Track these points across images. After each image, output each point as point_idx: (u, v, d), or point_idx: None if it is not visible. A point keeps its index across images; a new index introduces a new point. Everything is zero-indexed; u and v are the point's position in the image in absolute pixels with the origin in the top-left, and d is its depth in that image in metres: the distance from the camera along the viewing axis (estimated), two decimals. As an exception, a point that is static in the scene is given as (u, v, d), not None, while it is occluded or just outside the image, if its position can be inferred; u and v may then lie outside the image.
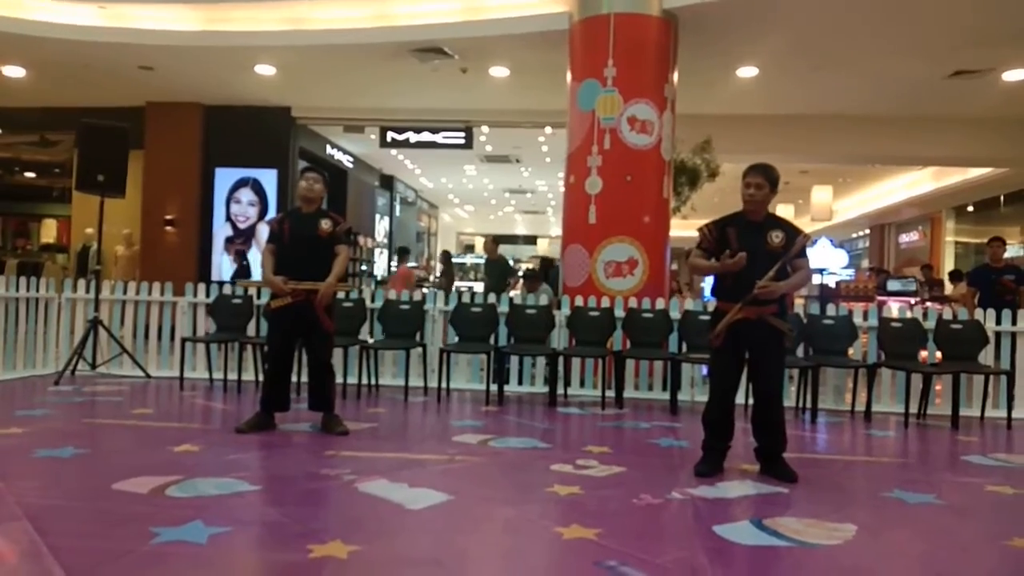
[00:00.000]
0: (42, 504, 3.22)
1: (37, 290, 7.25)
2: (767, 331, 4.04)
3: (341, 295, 6.80)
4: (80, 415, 5.39)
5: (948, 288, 11.97)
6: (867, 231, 22.95)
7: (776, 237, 4.02)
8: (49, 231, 15.14)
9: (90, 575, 2.46)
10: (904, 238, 20.24)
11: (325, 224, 4.89)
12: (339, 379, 6.67)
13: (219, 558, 2.70)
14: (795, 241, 4.03)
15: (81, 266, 11.70)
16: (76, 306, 7.49)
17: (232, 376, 6.71)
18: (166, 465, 3.91)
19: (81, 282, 7.62)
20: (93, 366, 7.15)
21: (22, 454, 4.09)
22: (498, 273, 10.54)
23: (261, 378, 6.74)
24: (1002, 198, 15.58)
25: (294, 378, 6.50)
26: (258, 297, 7.01)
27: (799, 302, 10.66)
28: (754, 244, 4.00)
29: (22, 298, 7.08)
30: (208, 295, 7.25)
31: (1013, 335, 6.47)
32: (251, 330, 6.90)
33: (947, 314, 6.59)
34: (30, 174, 14.91)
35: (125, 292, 7.50)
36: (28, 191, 15.13)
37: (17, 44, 9.25)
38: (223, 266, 12.27)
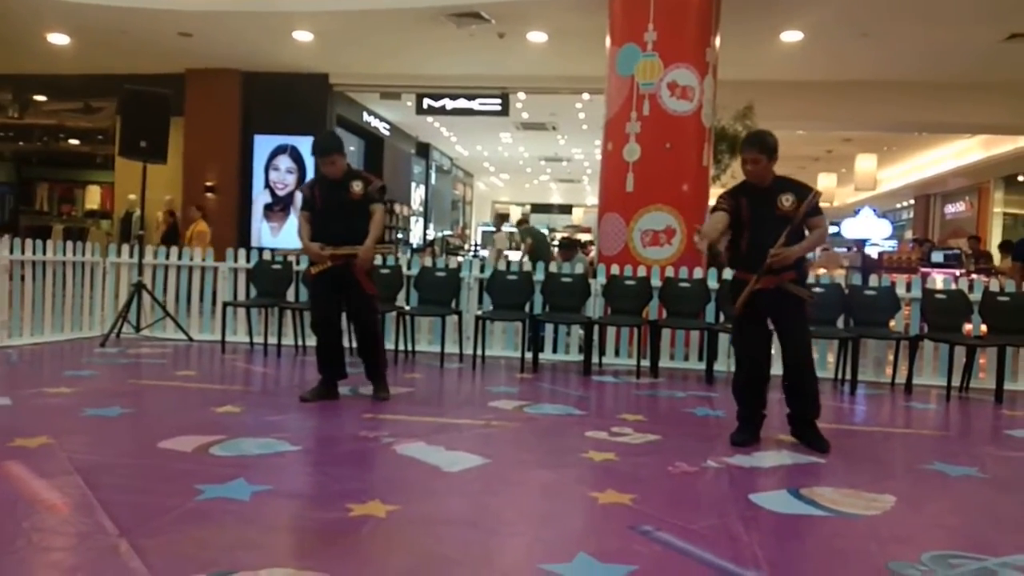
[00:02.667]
0: (92, 460, 3.32)
1: (83, 255, 7.41)
2: (787, 298, 3.96)
3: (379, 260, 6.84)
4: (126, 376, 5.54)
5: (997, 259, 11.66)
6: (912, 201, 22.39)
7: (786, 201, 3.93)
8: (93, 197, 15.41)
9: (138, 528, 2.53)
10: (950, 208, 19.71)
11: (356, 186, 4.76)
12: (376, 344, 6.77)
13: (262, 515, 2.77)
14: (805, 201, 3.92)
15: (125, 231, 11.92)
16: (120, 270, 7.65)
17: (272, 340, 6.82)
18: (209, 425, 4.00)
19: (125, 247, 7.78)
20: (137, 329, 7.33)
21: (72, 413, 4.22)
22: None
23: (301, 342, 6.85)
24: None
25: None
26: (297, 263, 7.09)
27: (839, 273, 10.49)
28: (765, 210, 3.95)
29: (68, 262, 7.25)
30: (248, 260, 7.35)
31: (1063, 308, 6.28)
32: (291, 295, 7.00)
33: (994, 286, 6.42)
34: (74, 141, 15.16)
35: (168, 257, 7.64)
36: (73, 158, 15.38)
37: (61, 11, 9.37)
38: (263, 232, 12.42)
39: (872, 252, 13.46)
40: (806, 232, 4.00)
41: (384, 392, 4.93)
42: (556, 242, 13.99)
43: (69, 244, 7.33)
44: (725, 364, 6.70)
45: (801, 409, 4.07)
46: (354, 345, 4.99)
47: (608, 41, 7.30)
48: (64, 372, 5.46)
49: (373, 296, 4.93)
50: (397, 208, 16.65)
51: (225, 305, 7.04)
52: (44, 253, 7.01)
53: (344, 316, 4.97)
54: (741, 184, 4.15)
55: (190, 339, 7.28)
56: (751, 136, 4.08)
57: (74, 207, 15.58)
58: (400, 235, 16.93)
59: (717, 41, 7.22)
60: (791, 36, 9.22)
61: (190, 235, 10.66)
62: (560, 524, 2.86)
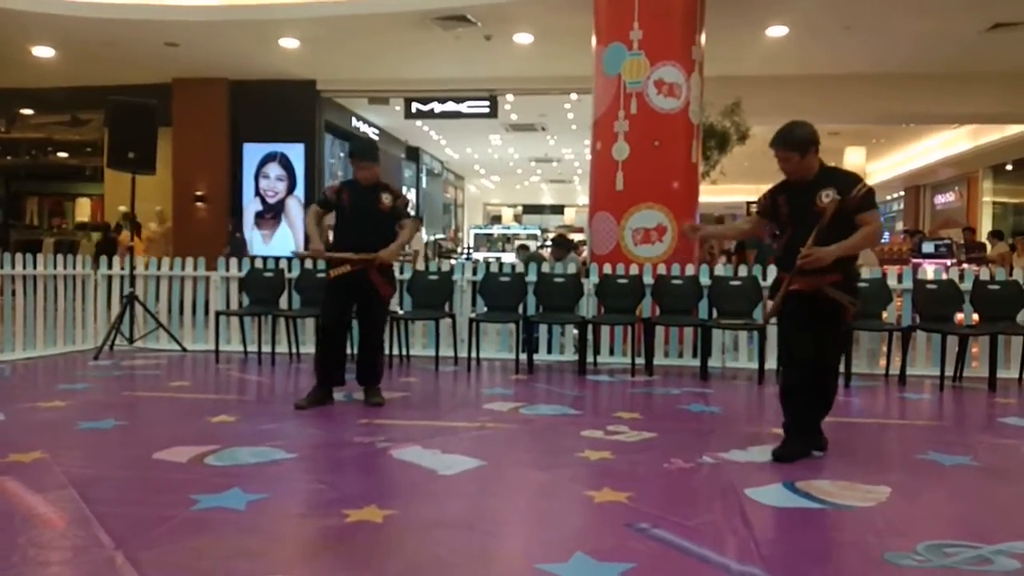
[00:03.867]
0: (87, 473, 3.31)
1: (74, 267, 7.39)
2: (826, 303, 3.63)
3: (396, 268, 6.82)
4: (120, 388, 5.52)
5: (989, 249, 11.73)
6: (902, 193, 22.49)
7: (825, 197, 3.58)
8: (83, 210, 15.39)
9: (135, 540, 2.53)
10: (940, 199, 19.80)
11: (386, 199, 4.78)
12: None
13: (258, 523, 2.77)
14: (849, 197, 3.56)
15: (102, 247, 11.90)
16: (112, 282, 7.62)
17: (266, 348, 6.80)
18: (204, 435, 3.99)
19: (115, 259, 7.75)
20: (130, 341, 7.30)
21: (66, 426, 4.21)
22: None
23: (295, 350, 6.84)
24: (1043, 155, 15.14)
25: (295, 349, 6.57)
26: (289, 271, 7.07)
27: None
28: (803, 207, 3.65)
29: (60, 275, 7.22)
30: (240, 269, 7.34)
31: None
32: (283, 303, 6.98)
33: (984, 275, 6.45)
34: (63, 154, 15.13)
35: (159, 268, 7.62)
36: (61, 170, 15.37)
37: (45, 23, 9.35)
38: (254, 241, 12.40)
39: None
40: (858, 222, 3.60)
41: (379, 397, 4.91)
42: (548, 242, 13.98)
43: (60, 257, 7.30)
44: (719, 360, 6.72)
45: (814, 412, 3.82)
46: (353, 352, 5.02)
47: (594, 40, 7.32)
48: (58, 386, 5.44)
49: (388, 299, 4.95)
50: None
51: (218, 314, 7.02)
52: (35, 267, 6.99)
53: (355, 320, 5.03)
54: (783, 180, 3.85)
55: (183, 349, 7.26)
56: (778, 133, 3.69)
57: (64, 220, 15.54)
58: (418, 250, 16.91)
59: (703, 38, 7.24)
60: (776, 31, 9.26)
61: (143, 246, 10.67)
62: (557, 524, 2.87)
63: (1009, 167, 16.40)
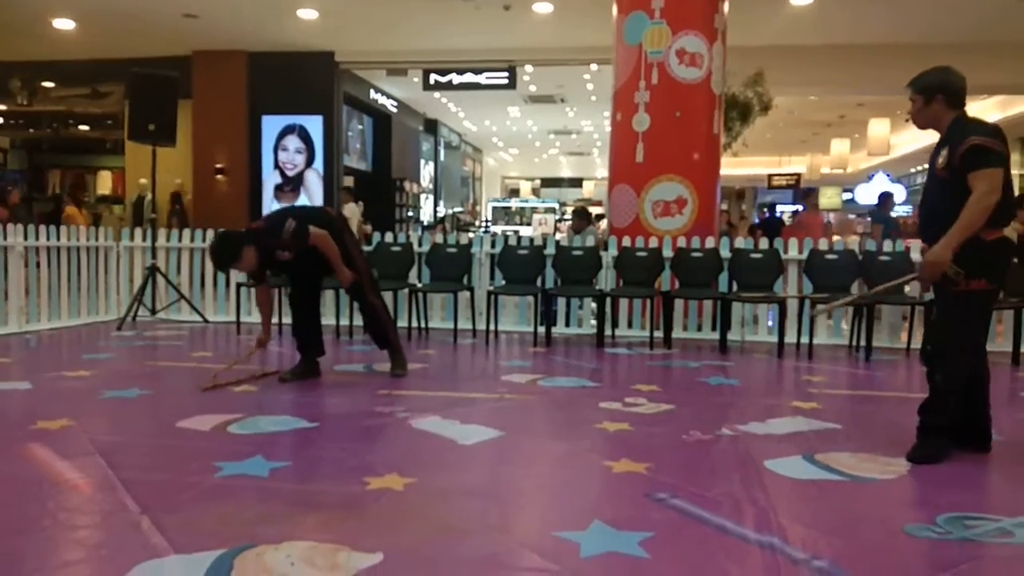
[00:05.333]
0: (112, 441, 3.37)
1: (96, 239, 7.46)
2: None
3: (389, 237, 6.81)
4: (143, 358, 5.60)
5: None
6: (926, 165, 22.12)
7: (940, 159, 3.17)
8: (105, 183, 15.48)
9: (160, 505, 2.57)
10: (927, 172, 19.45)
11: (282, 255, 4.50)
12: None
13: (280, 490, 2.81)
14: (955, 157, 3.10)
15: (137, 216, 11.99)
16: (134, 254, 7.70)
17: (287, 320, 6.84)
18: (226, 404, 4.04)
19: (138, 231, 7.82)
20: (153, 312, 7.39)
21: (91, 395, 4.28)
22: None
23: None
24: (1072, 127, 14.81)
25: (336, 321, 6.61)
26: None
27: (854, 239, 10.42)
28: (930, 170, 3.29)
29: (83, 247, 7.30)
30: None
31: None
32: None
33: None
34: (84, 127, 15.20)
35: (180, 240, 7.68)
36: (83, 143, 15.45)
37: (65, -5, 9.36)
38: (273, 213, 12.43)
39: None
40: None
41: (400, 368, 4.90)
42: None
43: (83, 229, 7.38)
44: (739, 333, 6.69)
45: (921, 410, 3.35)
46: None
47: (615, 9, 7.21)
48: (82, 355, 5.52)
49: (355, 280, 4.66)
50: (407, 186, 16.63)
51: (239, 286, 7.08)
52: (58, 239, 7.07)
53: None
54: None
55: (205, 320, 7.34)
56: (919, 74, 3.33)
57: (86, 192, 15.66)
58: (411, 213, 16.93)
59: (726, 6, 7.11)
60: (801, -1, 9.07)
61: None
62: (575, 493, 2.88)
63: (1038, 139, 16.07)
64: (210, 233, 7.62)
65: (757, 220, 18.69)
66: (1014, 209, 3.25)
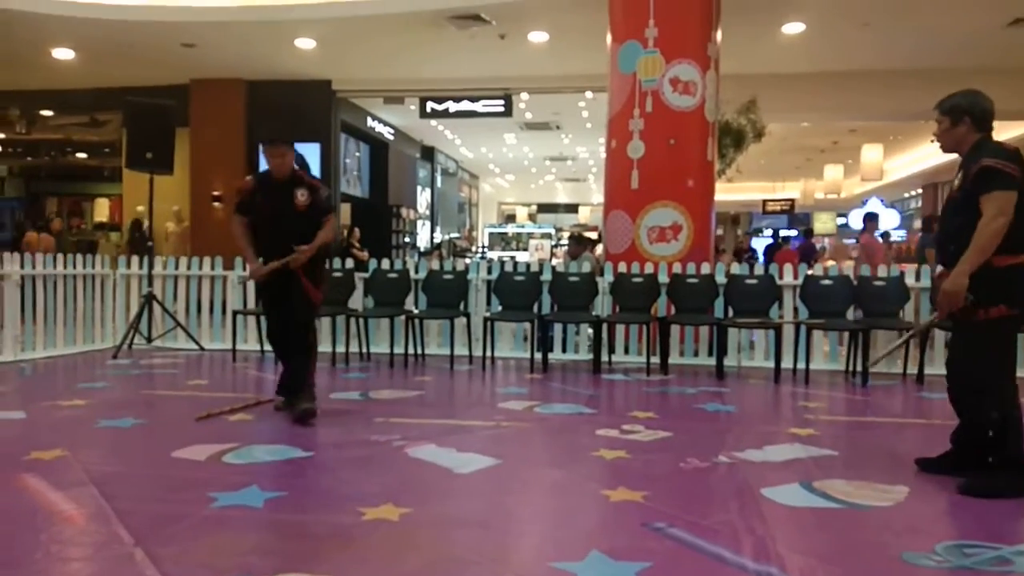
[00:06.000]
0: (106, 471, 3.35)
1: (93, 267, 7.47)
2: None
3: (374, 264, 6.79)
4: (138, 387, 5.58)
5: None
6: (920, 190, 22.28)
7: (956, 179, 3.21)
8: (102, 210, 15.53)
9: (154, 537, 2.55)
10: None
11: (301, 196, 4.30)
12: (385, 349, 6.80)
13: (275, 521, 2.79)
14: (968, 178, 3.11)
15: (134, 243, 12.00)
16: (130, 282, 7.70)
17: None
18: (222, 433, 4.02)
19: (135, 259, 7.83)
20: (149, 340, 7.37)
21: (86, 424, 4.26)
22: None
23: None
24: (1063, 152, 14.95)
25: (332, 348, 6.61)
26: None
27: (848, 264, 10.47)
28: (950, 191, 3.31)
29: (79, 275, 7.30)
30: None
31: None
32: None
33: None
34: (82, 155, 15.29)
35: (177, 267, 7.68)
36: (80, 171, 15.53)
37: (65, 26, 9.44)
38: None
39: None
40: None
41: (309, 403, 4.34)
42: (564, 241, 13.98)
43: (79, 257, 7.38)
44: (735, 359, 6.69)
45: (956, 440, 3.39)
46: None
47: (609, 38, 7.30)
48: (77, 384, 5.50)
49: (315, 304, 4.48)
50: (404, 212, 16.69)
51: (235, 314, 7.08)
52: (55, 267, 7.07)
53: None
54: None
55: (201, 348, 7.32)
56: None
57: (83, 220, 15.69)
58: (408, 239, 16.97)
59: (718, 35, 7.21)
60: (793, 28, 9.19)
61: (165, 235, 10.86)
62: (572, 523, 2.87)
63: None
64: (207, 260, 7.64)
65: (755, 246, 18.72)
66: None
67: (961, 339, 3.26)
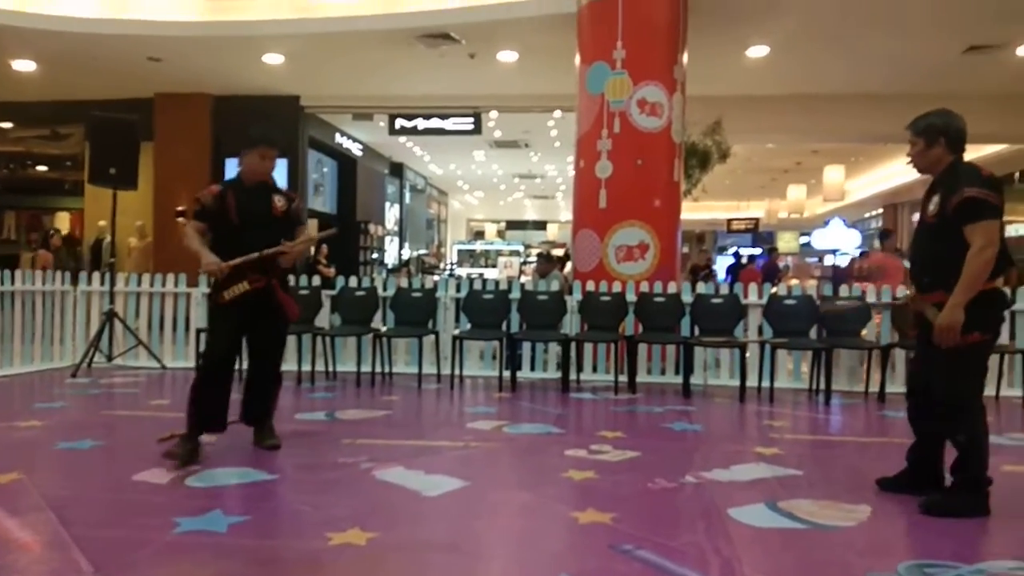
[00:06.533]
0: (64, 495, 3.26)
1: (52, 283, 7.31)
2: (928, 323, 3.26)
3: (341, 282, 6.76)
4: (98, 407, 5.46)
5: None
6: (880, 211, 22.79)
7: (932, 205, 3.22)
8: (62, 224, 15.22)
9: (114, 564, 2.49)
10: (918, 217, 20.06)
11: (279, 201, 4.06)
12: (352, 368, 6.74)
13: (239, 547, 2.74)
14: (948, 205, 3.12)
15: (95, 259, 11.77)
16: (91, 299, 7.54)
17: (246, 366, 6.74)
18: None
19: (96, 275, 7.68)
20: (109, 358, 7.22)
21: (43, 446, 4.15)
22: None
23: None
24: (1017, 175, 15.42)
25: (299, 367, 6.53)
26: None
27: (811, 284, 10.62)
28: (922, 215, 3.35)
29: (37, 291, 7.14)
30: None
31: (1029, 313, 6.42)
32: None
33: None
34: (42, 168, 14.99)
35: (139, 284, 7.55)
36: (40, 184, 15.20)
37: (26, 37, 9.28)
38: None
39: (842, 262, 13.63)
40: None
41: (275, 438, 4.20)
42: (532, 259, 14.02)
43: (38, 273, 7.22)
44: (701, 377, 6.75)
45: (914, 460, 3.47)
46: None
47: (578, 59, 7.38)
48: (34, 404, 5.36)
49: (293, 319, 4.25)
50: (372, 228, 16.62)
51: (199, 331, 6.96)
52: (12, 283, 6.91)
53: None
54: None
55: (163, 367, 7.19)
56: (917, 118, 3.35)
57: (35, 233, 15.34)
58: (375, 255, 16.89)
59: (685, 58, 7.33)
60: (757, 51, 9.38)
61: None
62: (541, 545, 2.86)
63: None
64: (171, 277, 7.52)
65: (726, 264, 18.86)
66: (1006, 263, 3.20)
67: (934, 361, 3.26)
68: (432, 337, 6.75)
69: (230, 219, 3.97)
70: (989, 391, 6.16)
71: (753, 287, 6.92)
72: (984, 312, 3.14)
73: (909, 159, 3.39)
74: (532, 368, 7.12)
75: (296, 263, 4.16)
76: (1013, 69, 9.69)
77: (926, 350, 3.33)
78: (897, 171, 18.18)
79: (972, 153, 12.61)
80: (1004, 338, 6.23)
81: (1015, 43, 8.85)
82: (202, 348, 6.87)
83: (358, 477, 3.63)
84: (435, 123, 12.40)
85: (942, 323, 3.11)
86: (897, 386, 6.39)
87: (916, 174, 3.49)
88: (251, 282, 3.92)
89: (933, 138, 3.25)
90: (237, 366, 4.23)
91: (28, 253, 10.95)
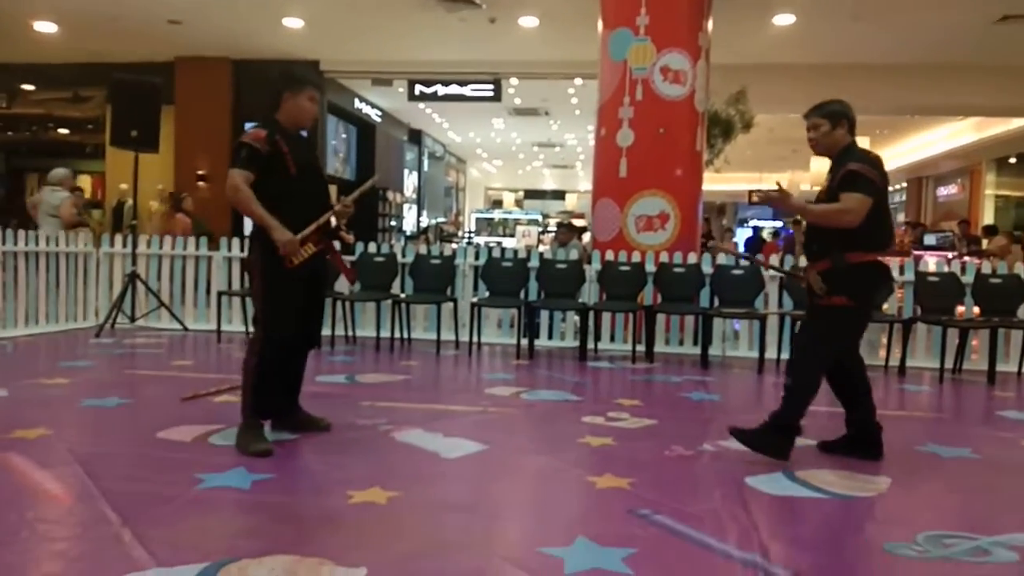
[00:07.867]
0: (91, 451, 3.33)
1: (75, 245, 7.38)
2: (811, 291, 3.49)
3: (360, 248, 6.76)
4: (122, 366, 5.54)
5: (984, 244, 11.72)
6: (904, 184, 22.43)
7: (826, 182, 3.52)
8: (84, 187, 15.33)
9: (141, 517, 2.55)
10: (942, 191, 19.76)
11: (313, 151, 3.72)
12: (371, 333, 6.79)
13: (262, 503, 2.79)
14: (834, 179, 3.42)
15: (117, 221, 11.86)
16: (114, 261, 7.62)
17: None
18: (207, 414, 4.01)
19: (118, 237, 7.74)
20: (132, 319, 7.31)
21: (70, 403, 4.22)
22: None
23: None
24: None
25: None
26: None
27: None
28: (819, 194, 3.60)
29: (61, 253, 7.22)
30: (243, 249, 7.33)
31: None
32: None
33: (986, 268, 6.47)
34: (63, 130, 15.07)
35: (161, 247, 7.61)
36: (62, 147, 15.30)
37: (48, -1, 9.29)
38: (255, 221, 12.34)
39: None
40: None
41: (322, 421, 3.77)
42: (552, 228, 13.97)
43: (62, 234, 7.30)
44: (720, 348, 6.74)
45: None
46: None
47: (600, 25, 7.27)
48: (60, 363, 5.45)
49: (352, 282, 3.81)
50: (390, 195, 16.61)
51: (220, 294, 7.03)
52: (36, 244, 6.99)
53: None
54: None
55: (185, 329, 7.27)
56: (818, 104, 3.58)
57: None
58: (394, 223, 16.89)
59: (709, 25, 7.20)
60: (783, 19, 9.21)
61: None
62: (559, 509, 2.89)
63: (1013, 160, 16.36)
64: (192, 241, 7.58)
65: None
66: (888, 239, 3.48)
67: (805, 318, 3.64)
68: (451, 304, 6.77)
69: (287, 169, 3.38)
70: (1008, 367, 6.12)
71: (774, 259, 6.86)
72: (854, 280, 3.36)
73: (811, 141, 3.58)
74: (550, 337, 7.13)
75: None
76: (1047, 39, 9.46)
77: (806, 312, 3.63)
78: (922, 144, 17.88)
79: (1000, 127, 12.46)
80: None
81: (1051, 12, 8.64)
82: (223, 312, 6.95)
83: (378, 439, 3.68)
84: (454, 89, 12.32)
85: (771, 193, 3.47)
86: (918, 360, 6.36)
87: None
88: (316, 244, 3.47)
89: (837, 120, 3.49)
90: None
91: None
